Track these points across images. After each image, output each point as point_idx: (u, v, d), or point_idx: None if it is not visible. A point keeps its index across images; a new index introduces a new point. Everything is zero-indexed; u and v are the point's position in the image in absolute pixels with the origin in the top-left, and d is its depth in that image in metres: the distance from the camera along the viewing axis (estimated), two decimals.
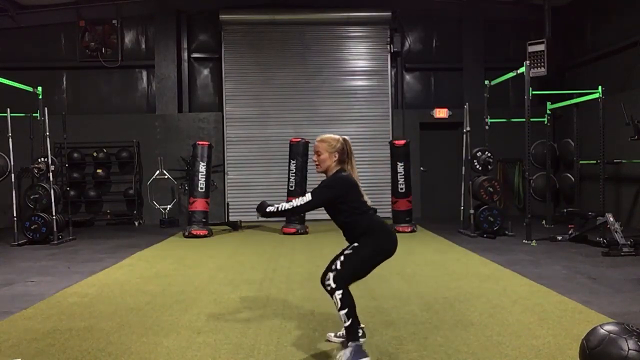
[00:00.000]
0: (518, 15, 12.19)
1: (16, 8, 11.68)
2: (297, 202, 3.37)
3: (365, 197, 3.52)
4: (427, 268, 6.40)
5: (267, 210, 3.40)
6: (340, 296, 3.25)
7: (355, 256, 3.36)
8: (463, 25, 12.42)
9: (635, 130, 8.23)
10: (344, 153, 3.51)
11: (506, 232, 8.92)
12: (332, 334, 3.82)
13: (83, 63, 12.19)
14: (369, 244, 3.40)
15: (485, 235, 8.77)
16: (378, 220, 3.51)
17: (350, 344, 3.27)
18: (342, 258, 3.35)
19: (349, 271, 3.33)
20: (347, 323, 3.25)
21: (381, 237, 3.46)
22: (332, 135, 3.56)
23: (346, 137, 3.58)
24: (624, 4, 10.03)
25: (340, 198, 3.42)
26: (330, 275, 3.30)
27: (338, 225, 3.53)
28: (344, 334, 3.47)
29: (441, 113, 12.31)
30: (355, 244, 3.40)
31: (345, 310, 3.24)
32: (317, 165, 3.55)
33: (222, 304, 4.85)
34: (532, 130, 8.66)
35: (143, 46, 12.45)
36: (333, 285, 3.26)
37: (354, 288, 3.36)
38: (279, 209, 3.39)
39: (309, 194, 3.39)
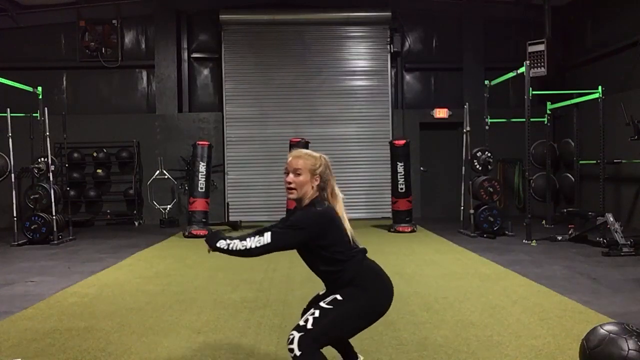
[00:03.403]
0: (518, 15, 12.18)
1: (16, 8, 11.67)
2: (251, 243, 2.55)
3: (350, 234, 2.67)
4: (427, 268, 6.40)
5: (217, 245, 2.60)
6: None
7: (336, 311, 2.52)
8: (463, 25, 12.41)
9: (635, 130, 8.23)
10: (327, 176, 2.68)
11: (506, 232, 8.92)
12: None
13: (83, 63, 12.19)
14: (357, 297, 2.56)
15: (485, 235, 8.77)
16: (369, 267, 2.67)
17: None
18: (316, 313, 2.50)
19: (323, 332, 2.49)
20: None
21: (373, 290, 2.60)
22: (311, 152, 2.75)
23: (325, 155, 2.74)
24: (624, 4, 10.03)
25: (314, 241, 2.58)
26: (295, 336, 2.43)
27: (315, 274, 2.74)
28: None
29: (441, 113, 12.31)
30: (337, 296, 2.57)
31: None
32: (291, 189, 2.66)
33: (222, 304, 4.85)
34: (532, 130, 8.66)
35: (143, 46, 12.45)
36: (297, 353, 2.40)
37: None
38: (230, 248, 2.57)
39: (268, 234, 2.55)
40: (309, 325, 2.47)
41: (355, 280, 2.59)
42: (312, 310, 2.55)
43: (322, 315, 2.50)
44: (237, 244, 2.57)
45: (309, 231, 2.57)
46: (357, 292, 2.57)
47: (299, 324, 2.51)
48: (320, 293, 2.84)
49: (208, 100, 12.57)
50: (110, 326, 4.22)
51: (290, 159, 2.70)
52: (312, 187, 2.66)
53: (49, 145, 9.26)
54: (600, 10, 10.88)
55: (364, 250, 2.72)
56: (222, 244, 2.60)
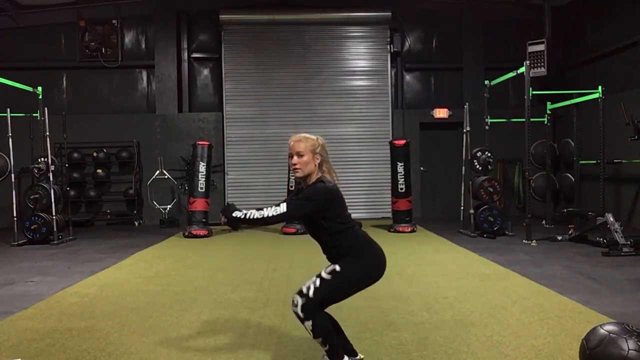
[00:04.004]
0: (518, 15, 12.18)
1: (16, 8, 11.67)
2: (269, 212, 2.84)
3: (348, 211, 3.09)
4: (427, 268, 6.41)
5: (234, 215, 2.88)
6: (311, 327, 2.85)
7: (334, 281, 2.90)
8: (463, 25, 12.42)
9: (635, 130, 8.23)
10: (325, 154, 3.05)
11: (506, 232, 8.92)
12: None
13: (83, 63, 12.19)
14: (353, 266, 2.93)
15: (485, 235, 8.77)
16: (364, 237, 3.04)
17: None
18: (317, 282, 2.89)
19: (324, 298, 2.90)
20: (326, 347, 2.92)
21: (368, 258, 2.98)
22: (308, 135, 3.08)
23: (320, 137, 3.12)
24: (623, 4, 10.03)
25: (321, 212, 2.92)
26: (299, 301, 2.86)
27: (317, 242, 3.08)
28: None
29: (441, 113, 12.30)
30: (336, 267, 2.93)
31: (320, 339, 2.88)
32: (297, 169, 3.01)
33: (222, 304, 4.85)
34: (532, 130, 8.66)
35: (143, 46, 12.45)
36: (301, 315, 2.85)
37: None
38: (247, 217, 2.86)
39: (284, 204, 2.88)
40: (311, 294, 2.86)
41: (352, 249, 2.94)
42: (314, 279, 2.92)
43: (322, 284, 2.88)
44: (254, 213, 2.86)
45: (318, 203, 2.91)
46: (353, 262, 2.93)
47: (301, 290, 2.88)
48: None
49: (208, 100, 12.57)
50: (110, 326, 4.22)
51: (292, 143, 3.04)
52: (315, 165, 3.01)
53: (49, 145, 9.27)
54: (600, 10, 10.88)
55: (360, 224, 3.09)
56: (238, 214, 2.88)
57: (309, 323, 2.85)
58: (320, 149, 3.02)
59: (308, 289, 2.88)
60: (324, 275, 2.92)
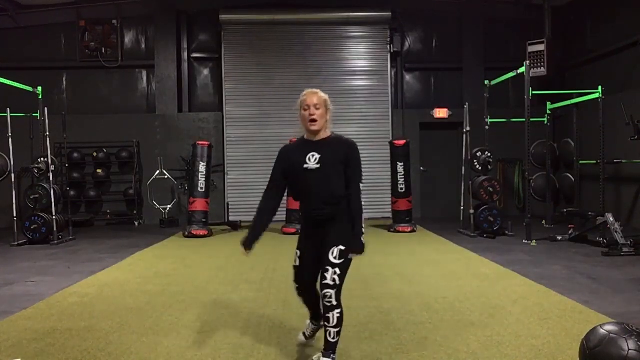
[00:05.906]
0: (518, 15, 12.19)
1: (16, 8, 11.67)
2: (359, 204, 3.06)
3: None
4: (427, 268, 6.41)
5: (362, 239, 3.07)
6: (338, 314, 3.05)
7: (346, 261, 3.09)
8: (463, 25, 12.42)
9: (635, 130, 8.23)
10: (330, 116, 3.21)
11: (506, 232, 8.92)
12: (301, 334, 3.64)
13: (83, 63, 12.19)
14: (348, 238, 3.10)
15: (485, 235, 8.77)
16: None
17: (332, 356, 3.11)
18: (337, 271, 3.03)
19: (344, 279, 3.09)
20: (336, 339, 3.08)
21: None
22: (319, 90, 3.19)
23: None
24: (623, 4, 10.03)
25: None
26: (332, 293, 3.02)
27: (330, 200, 3.10)
28: (311, 331, 3.55)
29: (441, 113, 12.31)
30: (341, 247, 3.06)
31: (339, 329, 3.07)
32: (315, 120, 3.09)
33: (222, 304, 4.85)
34: (532, 130, 8.66)
35: (143, 46, 12.45)
36: (335, 303, 3.03)
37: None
38: (363, 225, 3.08)
39: (357, 186, 3.06)
40: (337, 282, 3.02)
41: (346, 210, 3.09)
42: (333, 269, 3.02)
43: (341, 270, 3.03)
44: (360, 218, 3.06)
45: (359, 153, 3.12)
46: (347, 230, 3.08)
47: (328, 284, 3.01)
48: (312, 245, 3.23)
49: (208, 100, 12.57)
50: (110, 326, 4.22)
51: (306, 97, 3.11)
52: (327, 120, 3.13)
53: (49, 145, 9.27)
54: (600, 10, 10.88)
55: None
56: (363, 232, 3.08)
57: (338, 311, 3.02)
58: (329, 105, 3.16)
59: (333, 280, 3.01)
60: (335, 262, 3.04)
